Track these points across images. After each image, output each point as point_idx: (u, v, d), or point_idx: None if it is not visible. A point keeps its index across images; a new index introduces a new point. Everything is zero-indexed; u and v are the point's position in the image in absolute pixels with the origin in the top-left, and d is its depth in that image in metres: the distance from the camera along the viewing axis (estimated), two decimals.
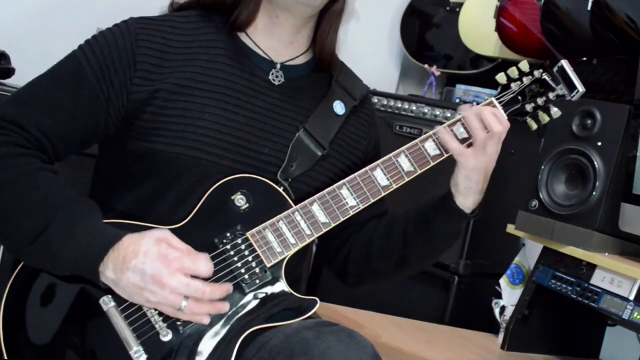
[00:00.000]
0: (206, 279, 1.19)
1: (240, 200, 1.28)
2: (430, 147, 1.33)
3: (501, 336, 1.93)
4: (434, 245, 1.39)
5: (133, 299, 1.18)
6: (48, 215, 1.17)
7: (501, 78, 1.34)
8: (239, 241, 1.26)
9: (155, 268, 1.15)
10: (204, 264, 1.19)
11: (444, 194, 1.36)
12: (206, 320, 1.20)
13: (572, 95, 1.34)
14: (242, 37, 1.37)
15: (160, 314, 1.20)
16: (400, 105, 2.43)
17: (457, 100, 2.50)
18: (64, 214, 1.17)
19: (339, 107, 1.42)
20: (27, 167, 1.19)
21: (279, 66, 1.38)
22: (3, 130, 1.21)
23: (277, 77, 1.37)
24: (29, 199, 1.18)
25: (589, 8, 1.87)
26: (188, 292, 1.16)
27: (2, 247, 1.78)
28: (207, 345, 1.22)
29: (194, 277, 1.17)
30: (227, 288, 1.22)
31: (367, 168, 1.32)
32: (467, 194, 1.32)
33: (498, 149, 1.31)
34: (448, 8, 2.73)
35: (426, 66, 2.73)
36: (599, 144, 1.75)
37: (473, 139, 1.30)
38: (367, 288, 1.52)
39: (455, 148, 1.30)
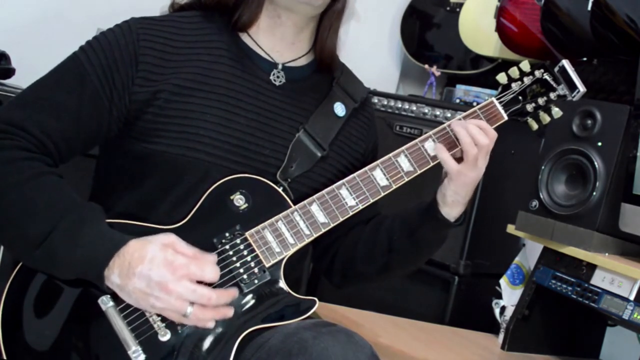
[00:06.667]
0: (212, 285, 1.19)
1: (239, 200, 1.28)
2: (430, 147, 1.32)
3: (501, 336, 1.93)
4: (418, 252, 1.42)
5: (138, 304, 1.17)
6: (53, 220, 1.16)
7: (502, 78, 1.34)
8: (238, 241, 1.26)
9: (160, 274, 1.14)
10: (210, 269, 1.18)
11: (428, 203, 1.36)
12: (210, 325, 1.20)
13: (573, 95, 1.34)
14: (244, 37, 1.37)
15: (159, 313, 1.20)
16: (400, 105, 2.43)
17: (457, 101, 2.50)
18: (68, 218, 1.16)
19: (340, 109, 1.42)
20: (32, 171, 1.19)
21: (280, 67, 1.38)
22: (7, 134, 1.20)
23: (278, 77, 1.37)
24: (33, 203, 1.17)
25: (589, 8, 1.87)
26: (194, 298, 1.15)
27: (1, 248, 1.78)
28: (206, 345, 1.22)
29: (200, 282, 1.17)
30: (233, 293, 1.22)
31: (367, 168, 1.32)
32: (454, 205, 1.33)
33: (486, 161, 1.31)
34: (448, 8, 2.73)
35: (426, 66, 2.73)
36: (599, 144, 1.75)
37: (464, 154, 1.29)
38: (353, 288, 1.53)
39: (452, 167, 1.29)
